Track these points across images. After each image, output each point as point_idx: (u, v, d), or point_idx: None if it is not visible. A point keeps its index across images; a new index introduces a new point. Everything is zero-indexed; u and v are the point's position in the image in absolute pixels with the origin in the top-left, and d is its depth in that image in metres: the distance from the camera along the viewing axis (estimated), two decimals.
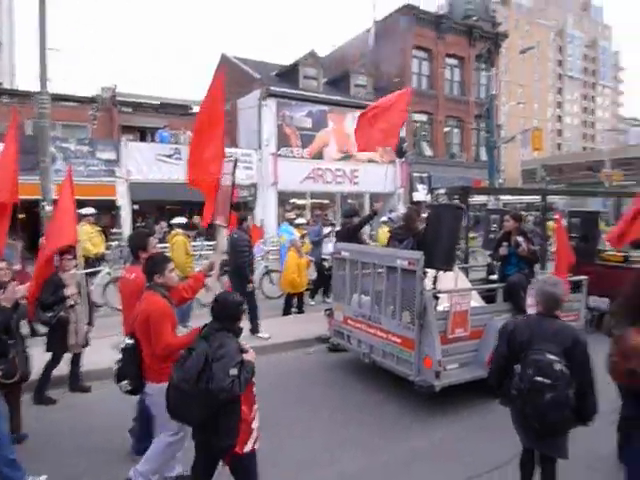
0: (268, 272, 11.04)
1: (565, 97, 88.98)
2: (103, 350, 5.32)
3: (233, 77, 24.29)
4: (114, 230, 16.99)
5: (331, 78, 25.57)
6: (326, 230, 11.16)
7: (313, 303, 10.11)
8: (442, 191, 8.61)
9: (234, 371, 2.77)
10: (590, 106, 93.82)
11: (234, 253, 7.35)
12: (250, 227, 8.10)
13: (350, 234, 7.36)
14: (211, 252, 8.42)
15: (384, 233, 10.55)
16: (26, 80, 76.82)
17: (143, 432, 4.03)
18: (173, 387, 2.91)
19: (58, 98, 17.60)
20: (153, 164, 18.83)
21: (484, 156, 26.60)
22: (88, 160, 17.82)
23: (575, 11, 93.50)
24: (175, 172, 19.14)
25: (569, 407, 2.85)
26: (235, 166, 4.29)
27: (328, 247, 9.92)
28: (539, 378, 2.83)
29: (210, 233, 8.80)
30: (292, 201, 21.93)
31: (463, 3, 28.77)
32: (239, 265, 7.34)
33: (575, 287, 6.68)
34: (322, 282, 10.08)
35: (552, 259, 7.31)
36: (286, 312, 9.24)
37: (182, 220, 8.64)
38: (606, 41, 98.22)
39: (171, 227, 8.56)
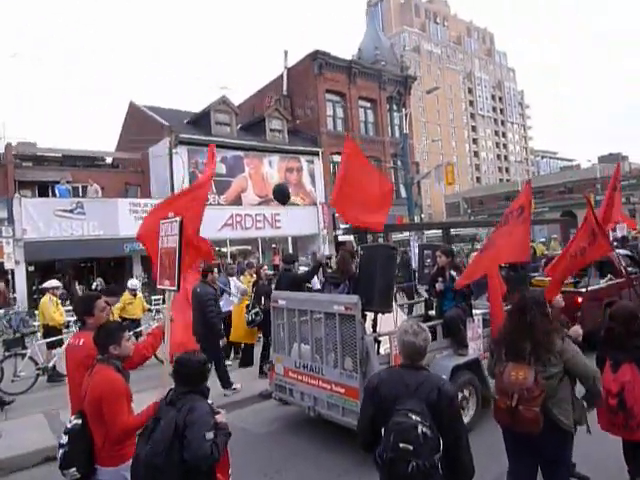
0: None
1: (479, 134, 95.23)
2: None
3: (143, 126, 23.57)
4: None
5: (246, 124, 25.42)
6: (236, 283, 9.79)
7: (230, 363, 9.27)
8: (340, 231, 8.25)
9: (210, 435, 2.58)
10: (502, 141, 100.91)
11: (199, 309, 6.83)
12: (216, 279, 7.67)
13: (297, 283, 7.14)
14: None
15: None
16: None
17: None
18: (143, 465, 2.61)
19: None
20: (52, 220, 17.40)
21: (405, 193, 27.16)
22: None
23: (480, 56, 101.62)
24: (78, 228, 17.87)
25: (439, 476, 2.44)
26: (181, 227, 3.97)
27: (229, 303, 9.00)
28: (402, 445, 2.42)
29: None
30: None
31: (372, 49, 29.95)
32: (207, 321, 6.87)
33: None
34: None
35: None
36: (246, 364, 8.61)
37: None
38: (511, 82, 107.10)
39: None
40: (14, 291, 15.84)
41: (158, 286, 4.27)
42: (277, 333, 6.14)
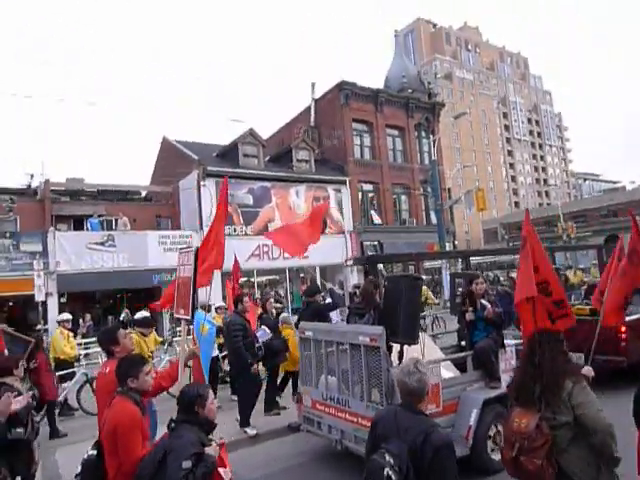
0: (89, 380, 8.63)
1: (516, 158, 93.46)
2: None
3: (175, 160, 24.27)
4: (38, 327, 15.76)
5: (274, 155, 25.79)
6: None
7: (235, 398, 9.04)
8: (350, 262, 8.06)
9: (187, 464, 2.59)
10: (540, 164, 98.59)
11: (228, 338, 7.05)
12: (248, 308, 7.58)
13: (320, 314, 7.22)
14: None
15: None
16: None
17: None
18: None
19: None
20: (84, 253, 17.93)
21: (435, 220, 26.71)
22: (11, 254, 16.86)
23: (515, 81, 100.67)
24: (109, 260, 18.33)
25: None
26: (197, 256, 4.09)
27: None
28: None
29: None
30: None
31: (399, 77, 30.08)
32: (234, 349, 7.00)
33: None
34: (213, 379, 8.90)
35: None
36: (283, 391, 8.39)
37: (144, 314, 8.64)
38: (548, 105, 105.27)
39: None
40: (45, 322, 16.23)
41: (175, 315, 4.34)
42: (305, 364, 6.09)
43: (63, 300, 17.59)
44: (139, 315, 9.08)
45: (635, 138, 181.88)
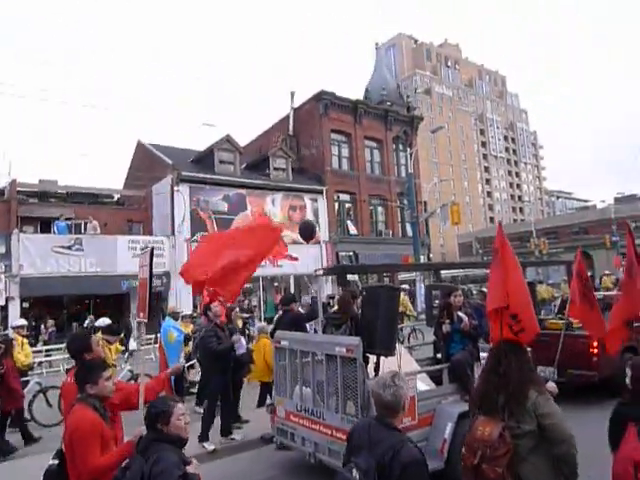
0: (43, 390, 8.53)
1: (492, 174, 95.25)
2: None
3: (149, 164, 23.84)
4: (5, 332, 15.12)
5: (251, 162, 25.58)
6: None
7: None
8: (320, 271, 7.90)
9: None
10: (515, 181, 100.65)
11: (201, 346, 6.80)
12: (219, 312, 7.16)
13: (297, 323, 7.11)
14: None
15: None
16: None
17: None
18: None
19: None
20: (49, 256, 17.34)
21: (410, 232, 26.79)
22: None
23: (492, 98, 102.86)
24: (75, 264, 17.76)
25: None
26: (152, 256, 3.95)
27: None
28: None
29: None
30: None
31: (379, 89, 30.29)
32: (211, 354, 6.64)
33: None
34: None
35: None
36: (262, 403, 8.07)
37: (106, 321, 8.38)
38: (524, 123, 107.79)
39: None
40: (5, 328, 15.57)
41: (137, 319, 4.19)
42: (279, 374, 6.01)
43: (26, 305, 16.95)
44: (101, 322, 8.82)
45: (604, 156, 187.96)
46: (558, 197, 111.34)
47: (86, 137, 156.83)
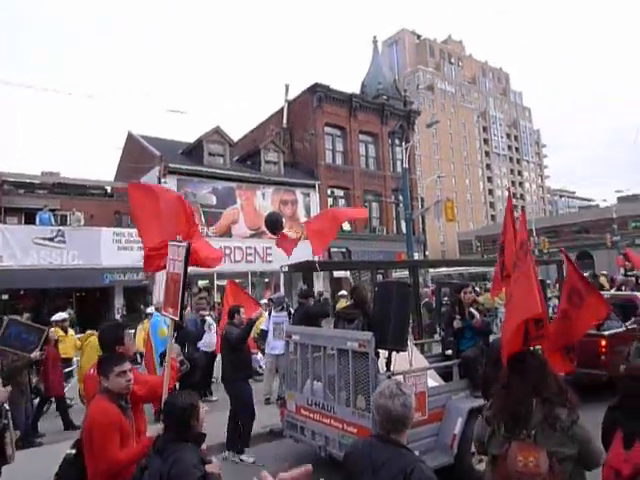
0: None
1: (494, 172, 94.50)
2: None
3: (139, 156, 23.43)
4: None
5: (242, 155, 25.17)
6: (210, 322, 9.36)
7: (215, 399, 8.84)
8: (285, 268, 7.54)
9: None
10: (518, 179, 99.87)
11: (227, 351, 6.61)
12: (243, 320, 6.96)
13: (311, 317, 7.09)
14: None
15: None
16: None
17: None
18: None
19: None
20: (30, 248, 16.96)
21: (405, 229, 26.33)
22: None
23: (495, 95, 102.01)
24: (57, 257, 17.38)
25: None
26: (188, 253, 3.66)
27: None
28: None
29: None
30: (200, 283, 20.41)
31: (375, 83, 29.74)
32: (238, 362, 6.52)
33: None
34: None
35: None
36: None
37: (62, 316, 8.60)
38: (527, 121, 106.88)
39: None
40: None
41: (163, 313, 4.03)
42: (290, 368, 6.09)
43: (5, 297, 16.59)
44: (57, 316, 8.63)
45: (609, 155, 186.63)
46: (561, 196, 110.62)
47: (76, 128, 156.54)
